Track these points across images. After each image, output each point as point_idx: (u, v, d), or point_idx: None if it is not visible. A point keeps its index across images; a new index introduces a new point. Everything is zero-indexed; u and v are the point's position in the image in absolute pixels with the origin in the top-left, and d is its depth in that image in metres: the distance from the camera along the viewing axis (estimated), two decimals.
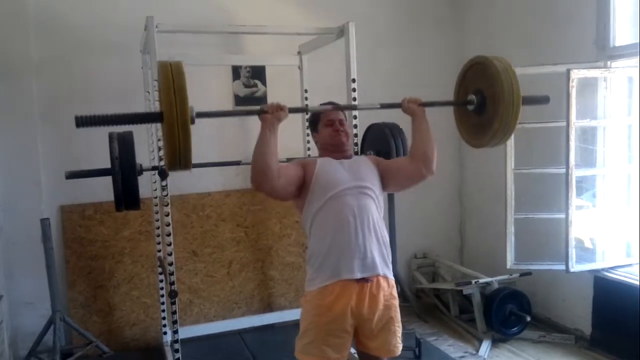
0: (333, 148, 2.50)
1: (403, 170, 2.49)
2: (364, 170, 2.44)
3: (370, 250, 2.32)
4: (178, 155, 1.90)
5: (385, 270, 2.37)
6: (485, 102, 2.41)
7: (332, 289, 2.29)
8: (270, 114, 2.24)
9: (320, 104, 2.61)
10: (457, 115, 2.66)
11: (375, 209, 2.39)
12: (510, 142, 3.76)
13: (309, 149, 4.05)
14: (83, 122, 1.90)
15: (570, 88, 3.43)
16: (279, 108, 2.26)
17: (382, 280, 2.35)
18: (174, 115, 1.85)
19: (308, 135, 4.05)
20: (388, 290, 2.38)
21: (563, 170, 3.54)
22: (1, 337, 3.47)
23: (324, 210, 2.33)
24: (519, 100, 2.32)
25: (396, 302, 2.43)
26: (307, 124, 4.03)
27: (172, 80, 1.88)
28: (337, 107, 2.57)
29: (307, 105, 4.05)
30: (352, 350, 3.24)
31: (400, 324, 2.45)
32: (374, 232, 2.35)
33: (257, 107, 2.29)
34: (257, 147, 2.22)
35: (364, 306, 2.30)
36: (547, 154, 3.91)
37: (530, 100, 2.49)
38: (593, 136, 3.72)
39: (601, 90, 3.65)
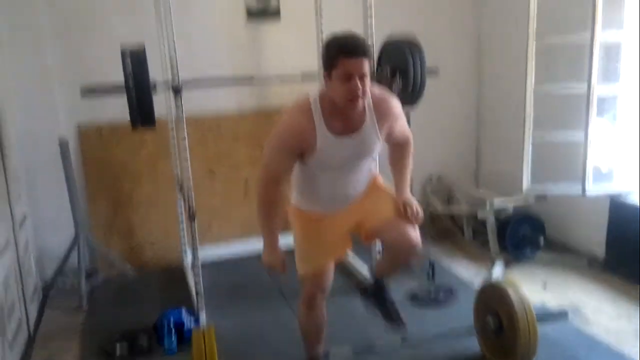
0: (339, 112, 2.04)
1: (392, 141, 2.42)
2: (370, 148, 2.20)
3: (354, 193, 2.35)
4: None
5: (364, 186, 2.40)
6: (501, 322, 2.62)
7: (315, 214, 2.38)
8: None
9: (340, 33, 2.02)
10: (481, 342, 2.83)
11: (369, 161, 2.34)
12: (531, 58, 3.65)
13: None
14: None
15: None
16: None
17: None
18: None
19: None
20: (366, 189, 2.41)
21: (584, 90, 3.45)
22: (28, 255, 3.58)
23: (316, 172, 2.25)
24: (532, 313, 2.54)
25: (376, 186, 2.46)
26: (321, 44, 3.94)
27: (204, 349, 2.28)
28: (361, 51, 1.93)
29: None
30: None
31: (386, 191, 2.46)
32: (361, 179, 2.35)
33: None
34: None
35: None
36: (569, 74, 3.78)
37: (547, 317, 2.94)
38: (617, 54, 3.59)
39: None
